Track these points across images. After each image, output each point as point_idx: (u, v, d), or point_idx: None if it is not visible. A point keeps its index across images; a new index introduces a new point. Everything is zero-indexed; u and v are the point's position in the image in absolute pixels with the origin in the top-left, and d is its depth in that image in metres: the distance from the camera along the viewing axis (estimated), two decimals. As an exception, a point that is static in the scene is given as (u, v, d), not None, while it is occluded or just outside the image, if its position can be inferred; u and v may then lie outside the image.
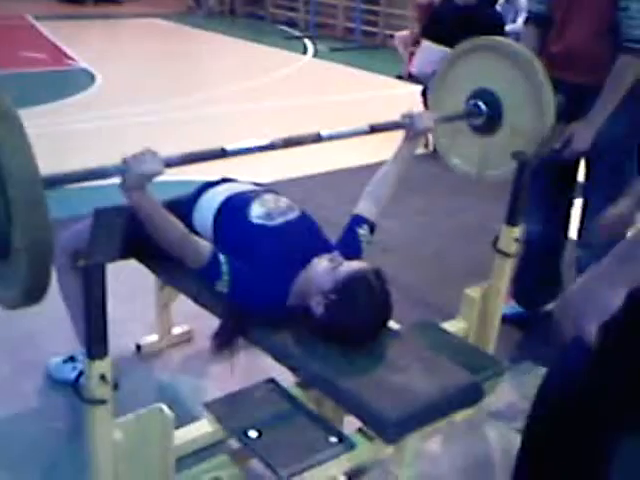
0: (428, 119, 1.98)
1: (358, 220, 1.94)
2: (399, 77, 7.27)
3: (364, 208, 1.97)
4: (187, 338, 2.50)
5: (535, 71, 1.98)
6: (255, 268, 1.77)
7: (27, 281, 1.20)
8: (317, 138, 1.79)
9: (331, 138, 1.83)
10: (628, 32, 2.06)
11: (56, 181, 1.31)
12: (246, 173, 2.26)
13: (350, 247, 1.89)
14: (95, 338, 1.33)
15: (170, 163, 1.54)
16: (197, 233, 1.93)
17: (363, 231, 1.92)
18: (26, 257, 1.18)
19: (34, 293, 1.25)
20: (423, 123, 1.96)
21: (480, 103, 2.08)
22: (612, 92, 2.13)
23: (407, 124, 1.96)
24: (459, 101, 2.13)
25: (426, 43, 4.53)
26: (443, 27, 4.49)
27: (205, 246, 1.75)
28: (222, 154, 1.68)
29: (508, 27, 4.79)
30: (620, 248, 1.00)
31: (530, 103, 2.00)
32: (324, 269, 1.72)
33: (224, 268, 1.73)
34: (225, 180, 2.05)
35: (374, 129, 1.90)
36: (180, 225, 1.71)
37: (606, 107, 2.15)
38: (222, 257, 1.74)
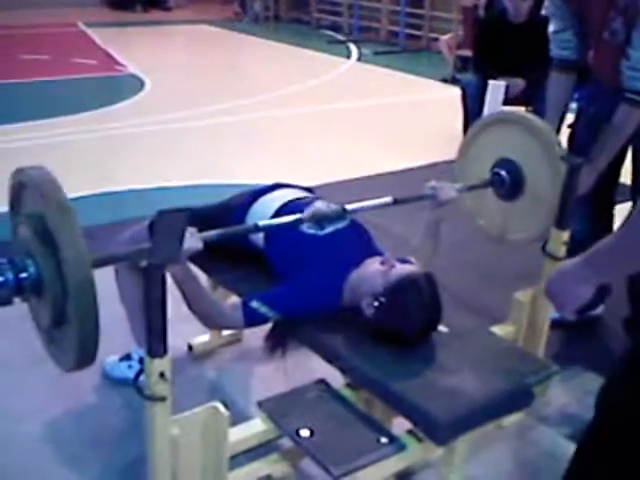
0: (451, 189, 2.02)
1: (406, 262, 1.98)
2: (444, 80, 7.25)
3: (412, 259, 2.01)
4: (237, 338, 2.54)
5: (552, 143, 2.03)
6: (306, 276, 1.80)
7: (77, 350, 1.33)
8: (342, 212, 1.85)
9: (356, 211, 1.88)
10: (629, 83, 2.05)
11: (103, 261, 1.44)
12: (295, 176, 2.30)
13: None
14: (155, 337, 1.38)
15: (207, 240, 1.62)
16: (248, 239, 1.97)
17: None
18: (75, 329, 1.31)
19: (84, 360, 1.36)
20: (446, 194, 2.00)
21: (502, 172, 2.15)
22: (614, 141, 2.16)
23: (431, 195, 2.00)
24: (484, 169, 2.20)
25: (493, 83, 4.52)
26: (499, 52, 4.50)
27: (234, 308, 1.78)
28: (255, 229, 1.79)
29: None
30: (590, 255, 1.22)
31: (549, 174, 2.05)
32: (376, 270, 1.75)
33: (263, 310, 1.75)
34: (278, 185, 2.07)
35: (397, 201, 1.94)
36: (212, 298, 1.78)
37: (609, 154, 2.18)
38: (255, 303, 1.76)
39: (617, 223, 2.66)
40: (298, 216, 1.82)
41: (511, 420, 2.00)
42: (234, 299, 1.98)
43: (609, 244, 1.21)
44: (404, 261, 1.86)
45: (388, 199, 1.93)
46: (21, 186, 1.41)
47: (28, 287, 1.35)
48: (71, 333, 1.33)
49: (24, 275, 1.34)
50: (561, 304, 1.27)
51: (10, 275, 1.33)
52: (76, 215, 1.29)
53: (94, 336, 1.31)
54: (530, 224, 2.16)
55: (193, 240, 1.57)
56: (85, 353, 1.34)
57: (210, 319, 1.79)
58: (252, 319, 1.76)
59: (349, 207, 1.87)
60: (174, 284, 1.67)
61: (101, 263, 1.41)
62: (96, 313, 1.29)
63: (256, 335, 2.38)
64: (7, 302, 1.34)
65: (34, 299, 1.40)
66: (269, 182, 2.12)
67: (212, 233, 1.66)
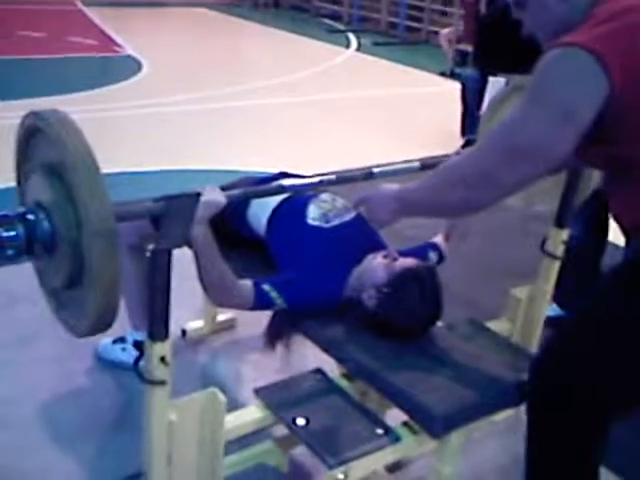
0: None
1: (433, 246, 2.02)
2: (442, 74, 7.25)
3: (439, 240, 2.06)
4: (230, 325, 2.55)
5: None
6: (309, 268, 1.80)
7: (95, 313, 1.23)
8: (369, 174, 1.80)
9: (382, 175, 1.82)
10: None
11: (125, 216, 1.32)
12: (291, 164, 2.29)
13: (412, 255, 1.89)
14: (157, 321, 1.37)
15: (230, 197, 1.56)
16: (249, 226, 1.96)
17: (433, 255, 1.99)
18: (95, 290, 1.20)
19: (101, 324, 1.25)
20: None
21: None
22: None
23: None
24: None
25: (493, 79, 4.50)
26: (499, 48, 4.48)
27: (247, 286, 1.72)
28: (281, 190, 1.69)
29: None
30: (402, 194, 1.49)
31: None
32: (379, 263, 1.76)
33: (273, 295, 1.73)
34: (283, 175, 2.06)
35: (425, 167, 1.91)
36: (228, 270, 1.67)
37: None
38: (266, 286, 1.73)
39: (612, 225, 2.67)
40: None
41: (503, 416, 2.01)
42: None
43: (417, 191, 1.43)
44: (408, 253, 1.86)
45: (416, 164, 1.89)
46: (34, 131, 1.28)
47: (40, 243, 1.22)
48: (88, 295, 1.21)
49: (36, 230, 1.20)
50: (370, 219, 1.59)
51: (21, 229, 1.19)
52: (98, 163, 1.18)
53: (116, 298, 1.20)
54: (556, 195, 2.06)
55: (216, 193, 1.50)
56: (104, 317, 1.22)
57: (222, 292, 1.69)
58: (262, 301, 1.73)
59: (376, 170, 1.81)
60: (195, 247, 1.59)
61: (123, 217, 1.28)
62: (118, 272, 1.18)
63: (250, 322, 2.39)
64: (15, 260, 1.22)
65: (44, 257, 1.27)
66: (263, 169, 2.10)
67: (235, 191, 1.59)
